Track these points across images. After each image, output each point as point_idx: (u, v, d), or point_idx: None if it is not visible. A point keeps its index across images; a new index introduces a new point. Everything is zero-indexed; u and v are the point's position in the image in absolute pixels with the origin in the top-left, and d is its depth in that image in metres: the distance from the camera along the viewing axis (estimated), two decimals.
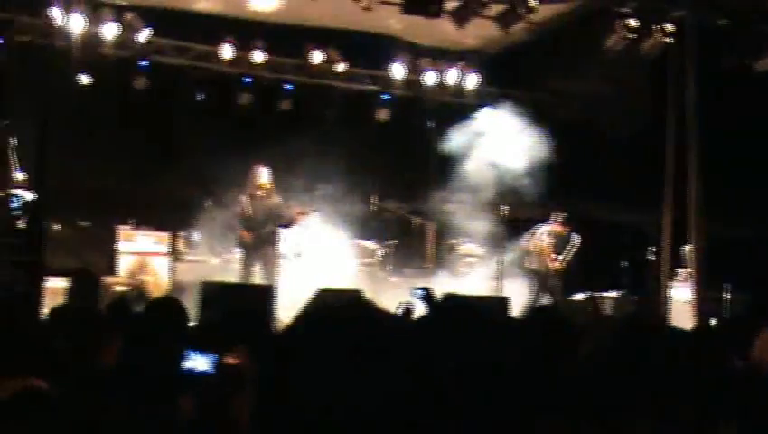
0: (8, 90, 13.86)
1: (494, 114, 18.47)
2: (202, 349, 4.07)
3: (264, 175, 15.04)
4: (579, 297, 16.11)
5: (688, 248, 14.58)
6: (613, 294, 15.93)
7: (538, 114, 17.67)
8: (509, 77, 18.14)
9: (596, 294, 16.03)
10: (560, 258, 16.39)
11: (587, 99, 16.28)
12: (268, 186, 15.04)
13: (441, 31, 16.08)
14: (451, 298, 5.74)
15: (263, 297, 12.57)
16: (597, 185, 16.35)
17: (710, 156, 14.15)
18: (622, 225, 16.06)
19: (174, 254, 16.46)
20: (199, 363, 4.04)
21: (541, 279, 16.38)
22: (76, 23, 15.24)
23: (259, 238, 14.95)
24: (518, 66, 17.57)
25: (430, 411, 2.02)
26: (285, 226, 15.14)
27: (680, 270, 14.92)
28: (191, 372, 4.00)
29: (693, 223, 14.20)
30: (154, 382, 4.16)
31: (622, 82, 15.36)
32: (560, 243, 16.52)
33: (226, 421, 3.62)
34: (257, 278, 14.91)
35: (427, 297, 9.25)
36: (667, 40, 15.05)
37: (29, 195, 12.66)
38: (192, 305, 9.18)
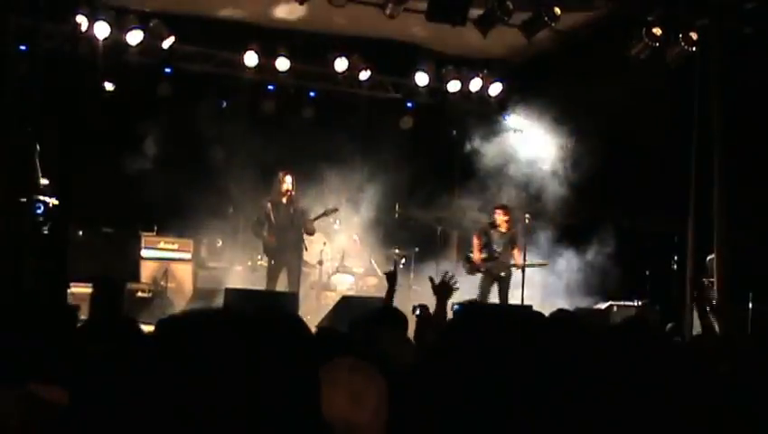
0: (32, 97, 13.90)
1: (518, 122, 18.47)
2: None
3: (287, 182, 15.06)
4: (601, 305, 16.03)
5: (711, 257, 14.49)
6: (636, 303, 15.84)
7: (561, 122, 17.64)
8: (532, 85, 18.10)
9: (618, 303, 15.95)
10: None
11: (611, 108, 16.22)
12: (292, 193, 15.06)
13: (465, 39, 16.05)
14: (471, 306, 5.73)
15: (287, 304, 12.59)
16: (621, 194, 16.29)
17: (735, 166, 14.07)
18: (647, 234, 15.97)
19: (197, 261, 16.52)
20: None
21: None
22: (101, 30, 15.30)
23: (284, 244, 14.97)
24: (542, 74, 17.53)
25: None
26: (310, 233, 15.17)
27: (705, 280, 14.81)
28: None
29: (717, 232, 14.12)
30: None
31: (647, 91, 15.29)
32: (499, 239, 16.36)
33: None
34: (282, 285, 14.92)
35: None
36: (692, 48, 14.98)
37: (53, 201, 12.71)
38: None
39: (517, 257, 15.97)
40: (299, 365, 1.91)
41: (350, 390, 2.71)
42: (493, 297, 15.82)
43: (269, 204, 15.10)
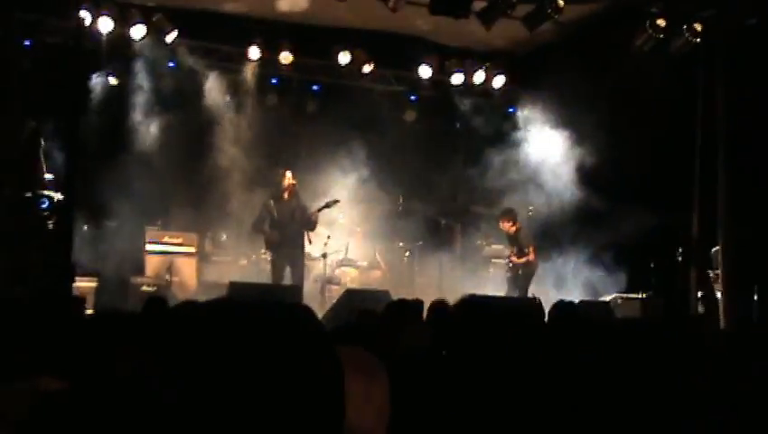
0: (37, 92, 13.91)
1: (521, 114, 18.44)
2: None
3: (288, 178, 15.08)
4: (606, 297, 16.01)
5: (716, 249, 14.48)
6: (641, 295, 15.82)
7: (565, 114, 17.61)
8: (536, 78, 18.06)
9: (623, 295, 15.93)
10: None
11: (615, 100, 16.21)
12: (293, 188, 15.08)
13: (468, 31, 16.04)
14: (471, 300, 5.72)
15: (290, 297, 12.60)
16: (626, 185, 16.26)
17: (739, 157, 14.06)
18: (651, 226, 15.93)
19: (202, 255, 16.52)
20: None
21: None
22: (104, 25, 15.31)
23: (286, 240, 14.99)
24: (545, 67, 17.48)
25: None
26: (310, 229, 15.15)
27: (710, 271, 14.80)
28: None
29: (722, 224, 14.11)
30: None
31: (651, 83, 15.26)
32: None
33: None
34: (287, 279, 14.94)
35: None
36: (696, 40, 14.96)
37: (58, 196, 12.73)
38: None
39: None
40: (321, 356, 1.88)
41: (351, 394, 2.56)
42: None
43: (271, 201, 15.12)
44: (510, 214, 16.49)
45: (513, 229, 16.39)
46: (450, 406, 3.18)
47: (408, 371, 3.53)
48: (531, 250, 16.23)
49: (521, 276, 16.19)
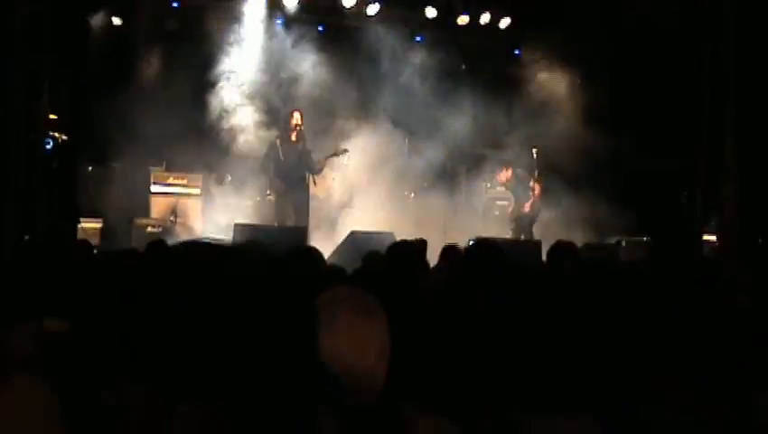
0: (40, 32, 13.84)
1: (527, 55, 18.36)
2: None
3: (296, 119, 15.01)
4: (612, 240, 16.04)
5: (723, 192, 14.44)
6: (644, 238, 15.83)
7: (571, 55, 17.53)
8: (542, 18, 17.92)
9: (629, 237, 15.95)
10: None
11: (623, 43, 16.11)
12: (299, 130, 15.01)
13: None
14: (483, 243, 5.71)
15: (295, 238, 12.61)
16: (632, 126, 16.22)
17: (748, 99, 13.96)
18: (658, 167, 15.91)
19: (207, 196, 16.53)
20: None
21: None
22: None
23: (291, 181, 14.96)
24: (552, 8, 17.36)
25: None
26: (316, 173, 15.13)
27: (714, 215, 14.78)
28: None
29: (730, 167, 14.05)
30: None
31: (660, 26, 15.15)
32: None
33: None
34: (292, 220, 14.94)
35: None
36: None
37: (62, 137, 12.71)
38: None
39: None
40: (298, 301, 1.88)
41: (351, 335, 2.51)
42: None
43: (278, 140, 15.07)
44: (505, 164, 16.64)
45: (507, 179, 16.49)
46: (457, 347, 3.18)
47: (415, 312, 3.53)
48: (534, 190, 16.25)
49: (525, 218, 16.19)
